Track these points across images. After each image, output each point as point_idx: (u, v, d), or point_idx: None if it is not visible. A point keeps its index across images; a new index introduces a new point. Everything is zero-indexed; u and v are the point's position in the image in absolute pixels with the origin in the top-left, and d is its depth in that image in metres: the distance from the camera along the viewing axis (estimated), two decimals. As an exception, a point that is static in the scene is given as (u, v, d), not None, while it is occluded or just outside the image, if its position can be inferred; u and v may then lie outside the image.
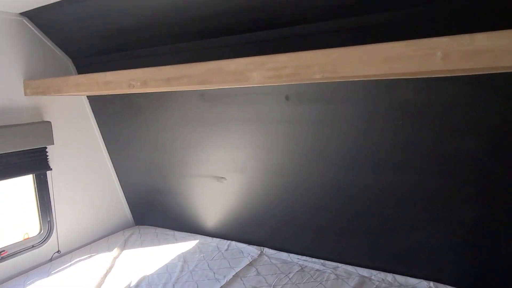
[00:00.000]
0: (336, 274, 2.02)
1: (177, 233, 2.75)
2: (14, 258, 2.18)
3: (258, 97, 1.94)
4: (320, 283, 1.95)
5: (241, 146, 2.18)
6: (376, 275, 1.96)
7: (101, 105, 2.60)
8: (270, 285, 1.97)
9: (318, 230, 2.19)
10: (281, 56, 1.32)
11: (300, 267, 2.13)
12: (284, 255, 2.28)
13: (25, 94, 2.19)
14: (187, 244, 2.54)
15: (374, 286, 1.88)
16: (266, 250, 2.35)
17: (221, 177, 2.37)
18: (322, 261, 2.16)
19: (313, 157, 1.98)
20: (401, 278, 1.91)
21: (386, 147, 1.74)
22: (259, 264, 2.20)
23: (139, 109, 2.45)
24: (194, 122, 2.28)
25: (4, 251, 2.14)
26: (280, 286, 1.94)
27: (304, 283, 1.97)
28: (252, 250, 2.37)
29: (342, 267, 2.08)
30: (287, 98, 1.85)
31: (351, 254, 2.10)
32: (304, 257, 2.22)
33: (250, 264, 2.20)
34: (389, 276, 1.94)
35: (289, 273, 2.07)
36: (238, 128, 2.13)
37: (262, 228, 2.41)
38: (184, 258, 2.33)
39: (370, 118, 1.71)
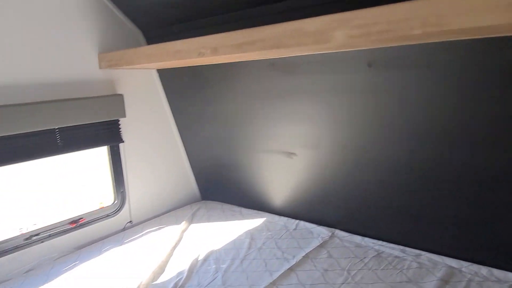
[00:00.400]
0: (418, 263, 1.82)
1: (243, 209, 2.70)
2: (91, 226, 2.28)
3: (335, 65, 1.76)
4: (401, 271, 1.77)
5: (315, 120, 2.02)
6: (468, 267, 1.73)
7: (170, 79, 2.58)
8: (343, 268, 1.83)
9: (397, 213, 1.98)
10: (371, 10, 1.14)
11: (376, 252, 1.95)
12: (357, 239, 2.11)
13: (100, 67, 2.23)
14: (253, 222, 2.48)
15: (466, 279, 1.65)
16: (338, 232, 2.20)
17: (291, 152, 2.24)
18: (401, 247, 1.97)
19: (397, 131, 1.76)
20: (499, 273, 1.65)
21: (490, 120, 1.47)
22: (330, 246, 2.06)
23: (207, 82, 2.39)
24: (264, 94, 2.16)
25: (82, 218, 2.24)
26: (355, 271, 1.79)
27: (381, 269, 1.80)
28: (322, 231, 2.23)
29: (426, 255, 1.87)
30: (369, 65, 1.64)
31: (436, 241, 1.88)
32: (380, 242, 2.04)
33: (321, 246, 2.07)
34: (483, 269, 1.69)
35: (364, 258, 1.91)
36: (312, 100, 1.97)
37: (334, 208, 2.26)
38: (252, 235, 2.27)
39: (470, 86, 1.45)
